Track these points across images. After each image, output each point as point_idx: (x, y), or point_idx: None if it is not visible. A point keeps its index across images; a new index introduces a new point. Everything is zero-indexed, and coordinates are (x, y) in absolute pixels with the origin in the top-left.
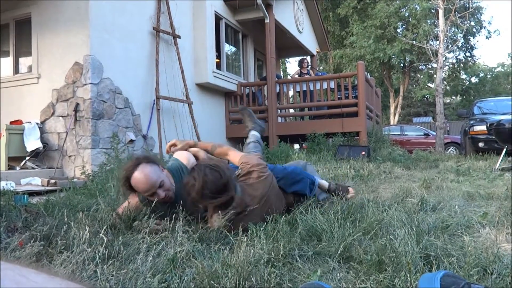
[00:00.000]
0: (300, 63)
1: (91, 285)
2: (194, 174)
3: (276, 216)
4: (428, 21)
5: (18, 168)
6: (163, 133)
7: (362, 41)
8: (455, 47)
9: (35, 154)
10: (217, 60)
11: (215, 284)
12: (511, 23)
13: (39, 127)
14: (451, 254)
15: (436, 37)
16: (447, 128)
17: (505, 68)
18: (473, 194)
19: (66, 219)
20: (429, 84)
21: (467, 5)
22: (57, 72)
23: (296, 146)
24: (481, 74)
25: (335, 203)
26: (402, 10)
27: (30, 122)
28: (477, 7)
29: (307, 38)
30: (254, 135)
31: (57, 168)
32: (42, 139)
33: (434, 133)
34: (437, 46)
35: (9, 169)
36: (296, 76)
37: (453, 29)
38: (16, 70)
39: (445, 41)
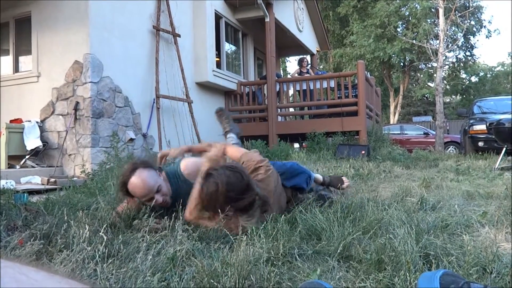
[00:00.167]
0: (300, 62)
1: (91, 283)
2: (214, 178)
3: (276, 215)
4: (428, 20)
5: (18, 166)
6: (163, 132)
7: (362, 40)
8: (455, 46)
9: (35, 152)
10: (217, 59)
11: (214, 283)
12: (511, 22)
13: (39, 126)
14: (450, 253)
15: (436, 36)
16: (447, 127)
17: (505, 67)
18: (473, 193)
19: (66, 218)
20: (429, 83)
21: (467, 4)
22: (57, 70)
23: (296, 145)
24: (481, 73)
25: (335, 202)
26: (402, 9)
27: (30, 121)
28: (477, 6)
29: (307, 37)
30: (232, 137)
31: (57, 166)
32: (42, 137)
33: (434, 132)
34: (437, 45)
35: (9, 167)
36: (296, 75)
37: (453, 28)
38: (16, 68)
39: (445, 40)
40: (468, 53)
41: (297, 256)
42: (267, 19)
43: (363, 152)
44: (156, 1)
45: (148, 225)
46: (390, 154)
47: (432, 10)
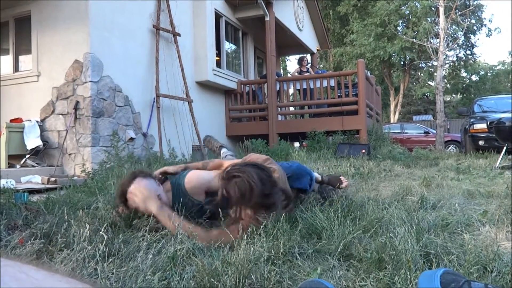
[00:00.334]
0: (300, 61)
1: (92, 282)
2: (245, 178)
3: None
4: (429, 19)
5: (18, 166)
6: (163, 131)
7: (363, 39)
8: (456, 45)
9: (35, 152)
10: (217, 58)
11: (215, 282)
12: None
13: (39, 125)
14: (451, 252)
15: (437, 35)
16: (447, 126)
17: (506, 66)
18: (473, 192)
19: (66, 217)
20: (430, 82)
21: (468, 3)
22: (57, 70)
23: (296, 144)
24: (482, 72)
25: (335, 201)
26: (403, 8)
27: (30, 120)
28: (477, 5)
29: (307, 36)
30: (226, 151)
31: (57, 166)
32: (42, 137)
33: (434, 131)
34: (438, 44)
35: (9, 167)
36: (296, 74)
37: (453, 27)
38: (16, 68)
39: (445, 39)
40: (468, 52)
41: (297, 255)
42: (267, 18)
43: (363, 151)
44: (156, 1)
45: (148, 224)
46: (391, 153)
47: (433, 8)
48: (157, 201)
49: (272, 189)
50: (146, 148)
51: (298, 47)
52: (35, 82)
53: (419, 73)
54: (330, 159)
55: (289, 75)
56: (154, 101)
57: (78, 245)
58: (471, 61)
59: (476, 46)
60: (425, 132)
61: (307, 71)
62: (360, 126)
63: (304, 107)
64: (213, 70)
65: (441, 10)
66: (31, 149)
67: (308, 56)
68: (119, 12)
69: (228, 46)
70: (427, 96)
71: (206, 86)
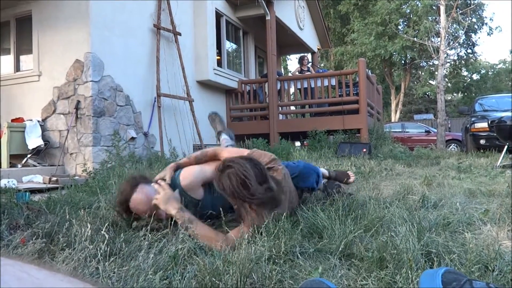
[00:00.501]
0: (301, 60)
1: (93, 282)
2: (237, 168)
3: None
4: (430, 18)
5: (19, 165)
6: (164, 130)
7: (363, 38)
8: (457, 44)
9: (37, 151)
10: (218, 57)
11: (216, 281)
12: None
13: (40, 125)
14: (452, 251)
15: (438, 34)
16: (449, 125)
17: (507, 65)
18: (474, 191)
19: (67, 217)
20: (431, 81)
21: (469, 2)
22: (58, 69)
23: (297, 143)
24: (483, 71)
25: (336, 200)
26: (403, 6)
27: (31, 120)
28: (478, 3)
29: (308, 35)
30: (226, 138)
31: (59, 165)
32: (43, 136)
33: (435, 130)
34: (439, 43)
35: (10, 166)
36: (297, 73)
37: (454, 25)
38: (17, 67)
39: (446, 38)
40: (469, 51)
41: (298, 254)
42: (268, 17)
43: (364, 150)
44: (156, 0)
45: (149, 224)
46: (392, 152)
47: (433, 7)
48: (178, 203)
49: (268, 182)
50: (147, 148)
51: (299, 46)
52: (36, 82)
53: (420, 72)
54: (331, 158)
55: (290, 74)
56: (155, 101)
57: (80, 244)
58: (472, 60)
59: (477, 45)
60: (426, 131)
61: (308, 70)
62: (361, 125)
63: (305, 106)
64: (214, 69)
65: (442, 9)
66: (33, 148)
67: (309, 55)
68: (119, 11)
69: (229, 46)
70: (428, 95)
71: (207, 85)
